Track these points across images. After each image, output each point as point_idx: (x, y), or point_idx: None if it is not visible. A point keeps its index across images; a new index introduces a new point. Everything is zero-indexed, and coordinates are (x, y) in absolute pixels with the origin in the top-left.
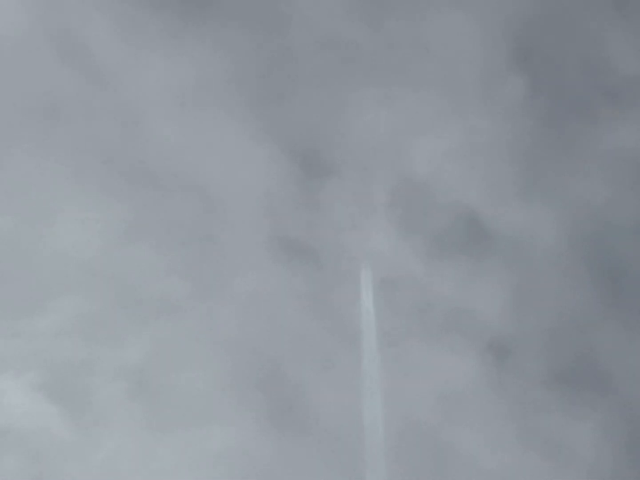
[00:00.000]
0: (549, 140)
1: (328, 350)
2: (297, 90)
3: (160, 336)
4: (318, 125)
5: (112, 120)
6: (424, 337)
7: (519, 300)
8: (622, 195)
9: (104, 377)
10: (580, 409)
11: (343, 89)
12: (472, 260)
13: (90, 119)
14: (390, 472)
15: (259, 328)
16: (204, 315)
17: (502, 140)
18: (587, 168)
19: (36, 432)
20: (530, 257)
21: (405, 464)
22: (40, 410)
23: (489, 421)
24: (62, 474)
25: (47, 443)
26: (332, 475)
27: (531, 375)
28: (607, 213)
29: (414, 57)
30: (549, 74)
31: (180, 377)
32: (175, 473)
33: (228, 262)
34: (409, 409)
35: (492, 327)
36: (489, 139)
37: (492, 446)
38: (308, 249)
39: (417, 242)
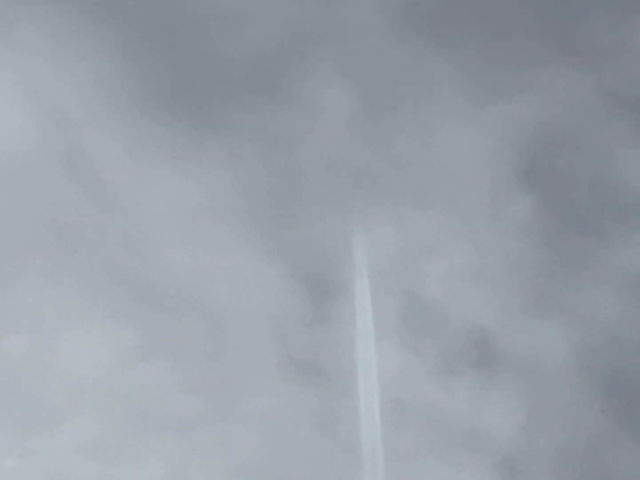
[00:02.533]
0: (557, 258)
1: (338, 472)
2: (305, 210)
3: (173, 455)
4: (327, 245)
5: (120, 241)
6: (433, 455)
7: (529, 418)
8: (632, 313)
9: None
10: None
11: (352, 210)
12: (483, 378)
13: (99, 240)
14: None
15: (270, 448)
16: (215, 435)
17: (511, 259)
18: (596, 287)
19: None
20: (541, 374)
21: None
22: None
23: None
24: None
25: None
26: None
27: None
28: (618, 331)
29: (422, 177)
30: (557, 192)
31: None
32: None
33: (238, 382)
34: None
35: (503, 445)
36: (497, 258)
37: None
38: (318, 369)
39: (428, 361)
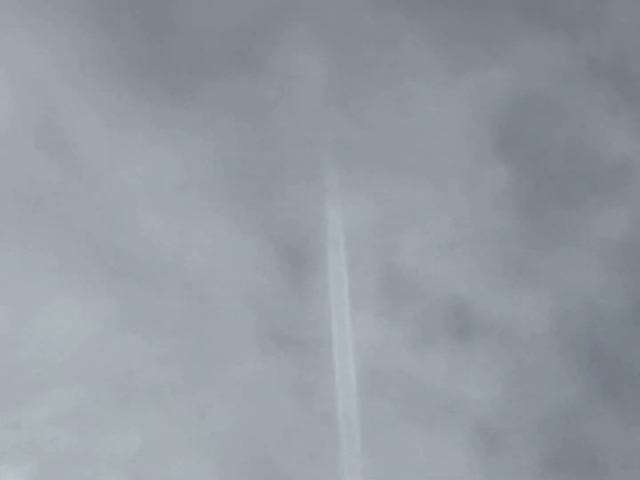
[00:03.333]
0: (534, 227)
1: (316, 442)
2: (281, 180)
3: (152, 426)
4: (303, 216)
5: (97, 213)
6: (410, 424)
7: (508, 387)
8: (610, 281)
9: (98, 467)
10: None
11: (327, 180)
12: (461, 348)
13: (75, 211)
14: None
15: (248, 419)
16: (193, 405)
17: (488, 228)
18: (574, 255)
19: None
20: (519, 344)
21: None
22: None
23: None
24: None
25: None
26: None
27: (521, 463)
28: (596, 299)
29: (397, 147)
30: (533, 161)
31: (171, 467)
32: None
33: (217, 353)
34: None
35: (481, 414)
36: (474, 227)
37: None
38: (295, 339)
39: (405, 331)
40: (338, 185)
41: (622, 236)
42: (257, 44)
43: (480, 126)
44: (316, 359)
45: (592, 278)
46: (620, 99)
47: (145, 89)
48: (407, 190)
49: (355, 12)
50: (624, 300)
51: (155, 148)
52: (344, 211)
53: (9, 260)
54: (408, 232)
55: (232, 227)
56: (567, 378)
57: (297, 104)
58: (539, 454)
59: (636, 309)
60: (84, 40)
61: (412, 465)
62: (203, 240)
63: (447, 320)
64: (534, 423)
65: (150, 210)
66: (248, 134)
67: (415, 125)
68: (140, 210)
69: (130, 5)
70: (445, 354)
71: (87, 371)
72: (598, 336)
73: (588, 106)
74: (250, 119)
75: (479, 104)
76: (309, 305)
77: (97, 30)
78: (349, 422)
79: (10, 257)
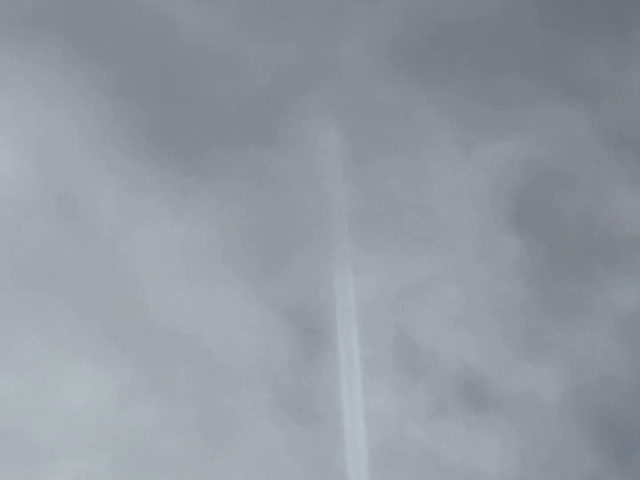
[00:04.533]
0: (548, 299)
1: None
2: (295, 251)
3: None
4: (317, 287)
5: (113, 283)
6: None
7: (524, 460)
8: (625, 353)
9: None
10: None
11: (342, 251)
12: (475, 421)
13: (92, 280)
14: None
15: None
16: (208, 474)
17: (502, 300)
18: (588, 327)
19: None
20: (534, 416)
21: None
22: None
23: None
24: None
25: None
26: None
27: None
28: (611, 371)
29: (411, 218)
30: (548, 233)
31: None
32: None
33: (230, 423)
34: None
35: None
36: (488, 299)
37: None
38: (308, 409)
39: (419, 403)
40: (351, 256)
41: (637, 308)
42: (272, 113)
43: (495, 197)
44: (328, 430)
45: (607, 350)
46: (639, 171)
47: (161, 159)
48: (420, 261)
49: (370, 82)
50: (634, 370)
51: (171, 217)
52: (356, 282)
53: (25, 329)
54: (421, 304)
55: (246, 297)
56: (582, 450)
57: (311, 175)
58: None
59: None
60: (101, 108)
61: None
62: (217, 309)
63: (461, 392)
64: None
65: (165, 280)
66: (262, 204)
67: (429, 196)
68: (155, 281)
69: (147, 76)
70: (459, 426)
71: (104, 439)
72: (613, 408)
73: (605, 178)
74: (265, 189)
75: (493, 175)
76: (322, 376)
77: (112, 101)
78: None
79: (27, 325)
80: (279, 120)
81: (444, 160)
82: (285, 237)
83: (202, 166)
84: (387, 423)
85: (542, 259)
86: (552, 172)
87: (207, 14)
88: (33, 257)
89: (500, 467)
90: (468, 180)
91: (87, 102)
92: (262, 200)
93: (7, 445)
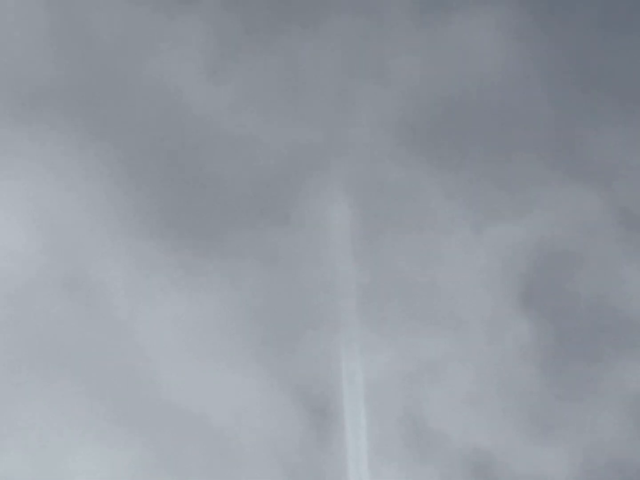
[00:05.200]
0: (558, 381)
1: None
2: (305, 331)
3: None
4: (326, 368)
5: (123, 360)
6: None
7: None
8: (634, 435)
9: None
10: None
11: (351, 331)
12: None
13: (101, 358)
14: None
15: None
16: None
17: (511, 382)
18: (597, 409)
19: None
20: None
21: None
22: None
23: None
24: None
25: None
26: None
27: None
28: (620, 453)
29: (421, 299)
30: (558, 314)
31: None
32: None
33: None
34: None
35: None
36: (498, 381)
37: None
38: None
39: None
40: (359, 336)
41: None
42: (281, 193)
43: (505, 278)
44: None
45: (616, 432)
46: None
47: (173, 238)
48: (429, 341)
49: (380, 162)
50: None
51: (181, 296)
52: (365, 362)
53: (34, 406)
54: (430, 384)
55: (255, 377)
56: None
57: (321, 254)
58: None
59: None
60: (110, 192)
61: None
62: (227, 389)
63: (470, 473)
64: None
65: (176, 360)
66: (272, 282)
67: (439, 276)
68: (166, 361)
69: (157, 156)
70: None
71: None
72: None
73: (616, 258)
74: (274, 268)
75: (504, 255)
76: (330, 456)
77: (125, 178)
78: None
79: (36, 402)
80: (288, 200)
81: (453, 241)
82: (294, 316)
83: (212, 245)
84: None
85: (551, 340)
86: (563, 252)
87: (218, 94)
88: (43, 333)
89: None
90: (478, 261)
91: (98, 181)
92: (272, 279)
93: None
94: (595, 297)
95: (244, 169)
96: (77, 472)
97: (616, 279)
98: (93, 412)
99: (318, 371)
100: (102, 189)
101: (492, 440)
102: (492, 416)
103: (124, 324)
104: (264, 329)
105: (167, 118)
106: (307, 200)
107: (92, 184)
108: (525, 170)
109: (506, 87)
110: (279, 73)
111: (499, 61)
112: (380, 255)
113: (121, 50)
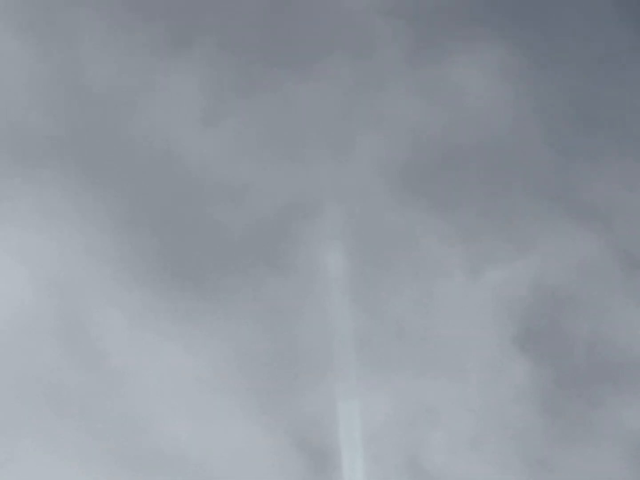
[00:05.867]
0: (557, 423)
1: None
2: (302, 377)
3: None
4: (323, 415)
5: (118, 410)
6: None
7: None
8: (630, 475)
9: None
10: None
11: (348, 376)
12: None
13: (96, 409)
14: None
15: None
16: None
17: (510, 425)
18: (596, 451)
19: None
20: None
21: None
22: None
23: None
24: None
25: None
26: None
27: None
28: None
29: (418, 342)
30: (555, 355)
31: None
32: None
33: None
34: None
35: None
36: (495, 425)
37: None
38: None
39: None
40: (357, 381)
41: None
42: (278, 241)
43: (502, 321)
44: None
45: (615, 474)
46: None
47: (168, 286)
48: (427, 386)
49: (376, 208)
50: None
51: (177, 345)
52: (363, 407)
53: (29, 459)
54: (429, 428)
55: (254, 423)
56: None
57: (318, 300)
58: None
59: None
60: (105, 238)
61: None
62: (225, 436)
63: None
64: None
65: (172, 407)
66: (270, 331)
67: (436, 320)
68: (164, 406)
69: (152, 202)
70: None
71: None
72: None
73: (615, 299)
74: (271, 315)
75: (500, 298)
76: None
77: (118, 227)
78: None
79: (31, 455)
80: (284, 247)
81: (450, 284)
82: (291, 362)
83: (209, 292)
84: None
85: (550, 382)
86: (560, 294)
87: (213, 142)
88: (39, 382)
89: None
90: (475, 304)
91: (95, 230)
92: (269, 326)
93: None
94: (594, 339)
95: (239, 217)
96: None
97: (615, 321)
98: (90, 461)
99: (316, 416)
100: (98, 238)
101: None
102: (491, 459)
103: (121, 372)
104: (261, 376)
105: (163, 166)
106: (303, 247)
107: (89, 232)
108: (522, 213)
109: (503, 128)
110: (274, 119)
111: (494, 102)
112: (377, 300)
113: (116, 99)
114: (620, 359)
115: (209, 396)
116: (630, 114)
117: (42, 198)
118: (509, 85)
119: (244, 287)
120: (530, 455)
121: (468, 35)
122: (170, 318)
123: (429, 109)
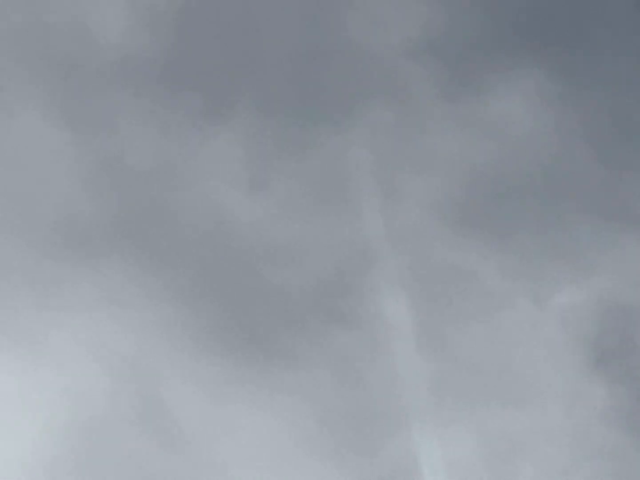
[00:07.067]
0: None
1: None
2: (380, 428)
3: None
4: (404, 469)
5: None
6: None
7: None
8: None
9: None
10: None
11: (425, 421)
12: None
13: None
14: None
15: None
16: None
17: (596, 448)
18: None
19: None
20: None
21: None
22: None
23: None
24: None
25: None
26: None
27: None
28: None
29: (492, 379)
30: (628, 374)
31: None
32: None
33: None
34: None
35: None
36: (581, 450)
37: None
38: None
39: None
40: (436, 423)
41: None
42: (338, 295)
43: (574, 344)
44: None
45: None
46: None
47: (238, 353)
48: (508, 419)
49: (431, 249)
50: None
51: (254, 416)
52: (445, 449)
53: None
54: (516, 462)
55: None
56: None
57: (386, 348)
58: None
59: None
60: (172, 312)
61: None
62: None
63: None
64: None
65: (256, 475)
66: (342, 385)
67: (507, 353)
68: (246, 476)
69: (212, 271)
70: None
71: None
72: None
73: None
74: (343, 370)
75: (568, 322)
76: None
77: (183, 300)
78: None
79: None
80: (347, 300)
81: (517, 315)
82: (368, 419)
83: (279, 356)
84: None
85: (631, 400)
86: (628, 311)
87: (261, 204)
88: (119, 468)
89: None
90: (544, 332)
91: (158, 307)
92: (342, 381)
93: None
94: None
95: (297, 277)
96: None
97: None
98: None
99: (397, 467)
100: (162, 314)
101: None
102: None
103: (198, 450)
104: (341, 431)
105: (216, 235)
106: (365, 298)
107: (152, 310)
108: (581, 234)
109: (550, 153)
110: (319, 176)
111: (538, 127)
112: (445, 340)
113: (161, 175)
114: None
115: (289, 459)
116: None
117: (105, 284)
118: (551, 108)
119: (312, 345)
120: (621, 474)
121: (502, 64)
122: (246, 385)
123: (473, 143)
